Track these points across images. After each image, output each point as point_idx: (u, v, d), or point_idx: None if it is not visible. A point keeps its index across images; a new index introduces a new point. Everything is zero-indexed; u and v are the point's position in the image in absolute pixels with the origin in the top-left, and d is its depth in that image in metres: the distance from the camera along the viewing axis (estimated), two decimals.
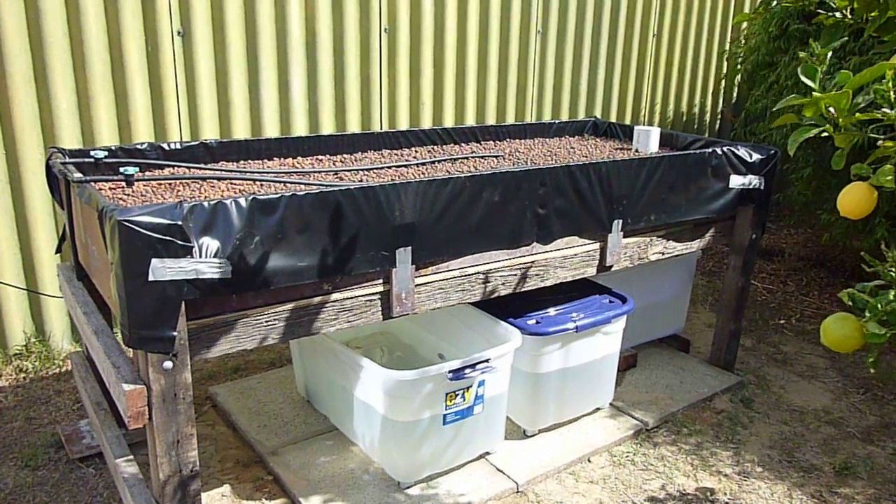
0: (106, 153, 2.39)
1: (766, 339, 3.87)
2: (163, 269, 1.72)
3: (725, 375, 3.32)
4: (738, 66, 5.16)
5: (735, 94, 6.09)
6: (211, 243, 1.81)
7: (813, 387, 3.36)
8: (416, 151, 3.11)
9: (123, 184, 2.21)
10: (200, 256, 1.78)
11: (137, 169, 2.21)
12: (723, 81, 5.86)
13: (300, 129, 3.88)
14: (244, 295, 1.94)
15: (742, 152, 2.96)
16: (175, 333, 1.79)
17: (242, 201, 1.85)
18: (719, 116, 6.09)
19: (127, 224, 1.67)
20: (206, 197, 2.19)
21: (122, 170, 2.16)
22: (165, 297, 1.75)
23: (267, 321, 2.01)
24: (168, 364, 1.81)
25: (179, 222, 1.73)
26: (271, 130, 3.79)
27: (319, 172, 2.60)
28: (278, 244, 1.92)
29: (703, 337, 3.80)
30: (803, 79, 1.28)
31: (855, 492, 2.59)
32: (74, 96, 3.25)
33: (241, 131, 3.70)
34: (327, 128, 3.97)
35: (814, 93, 1.25)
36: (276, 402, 2.98)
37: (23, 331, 3.38)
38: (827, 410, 3.15)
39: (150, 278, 1.71)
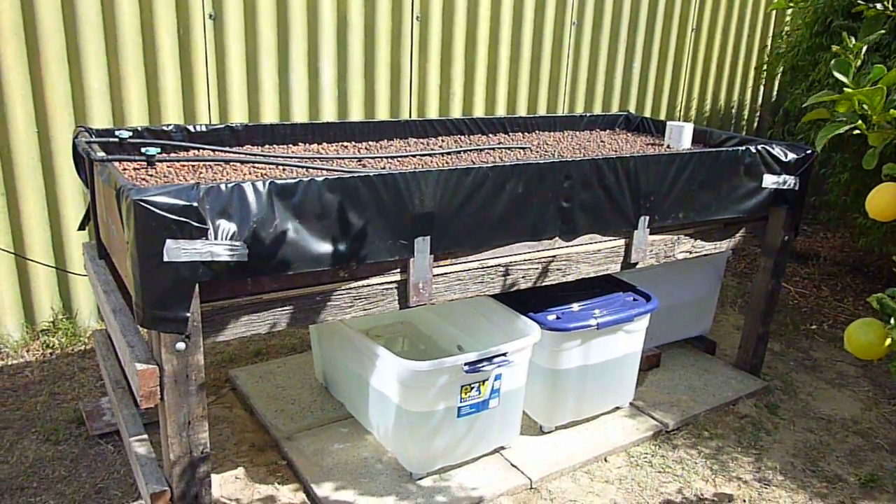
0: (130, 133, 2.40)
1: (795, 345, 3.77)
2: (177, 250, 1.72)
3: (751, 380, 3.25)
4: (779, 63, 5.02)
5: (775, 92, 5.94)
6: (227, 226, 1.80)
7: (842, 395, 3.27)
8: (443, 141, 3.08)
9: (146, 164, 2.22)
10: (216, 239, 1.78)
11: (159, 150, 2.22)
12: (763, 74, 5.69)
13: (329, 114, 3.87)
14: (259, 279, 1.93)
15: (777, 151, 2.88)
16: (188, 315, 1.79)
17: (260, 185, 1.84)
18: (757, 114, 5.95)
19: (143, 204, 1.67)
20: (227, 179, 2.18)
21: (143, 150, 2.16)
22: (180, 278, 1.75)
23: (282, 306, 2.00)
24: (181, 345, 1.81)
25: (195, 204, 1.73)
26: (300, 116, 3.78)
27: (343, 159, 2.59)
28: (295, 229, 1.91)
29: (731, 339, 3.72)
30: (836, 74, 1.21)
31: None
32: (106, 77, 3.28)
33: (269, 116, 3.70)
34: (356, 115, 3.96)
35: (846, 88, 1.18)
36: (294, 388, 2.98)
37: (51, 307, 3.43)
38: (855, 420, 3.06)
39: (165, 259, 1.71)
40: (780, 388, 3.27)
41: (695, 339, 3.55)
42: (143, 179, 2.11)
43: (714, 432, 2.87)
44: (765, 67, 5.67)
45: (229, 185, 1.79)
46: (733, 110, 5.77)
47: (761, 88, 5.88)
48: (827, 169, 4.30)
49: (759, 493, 2.53)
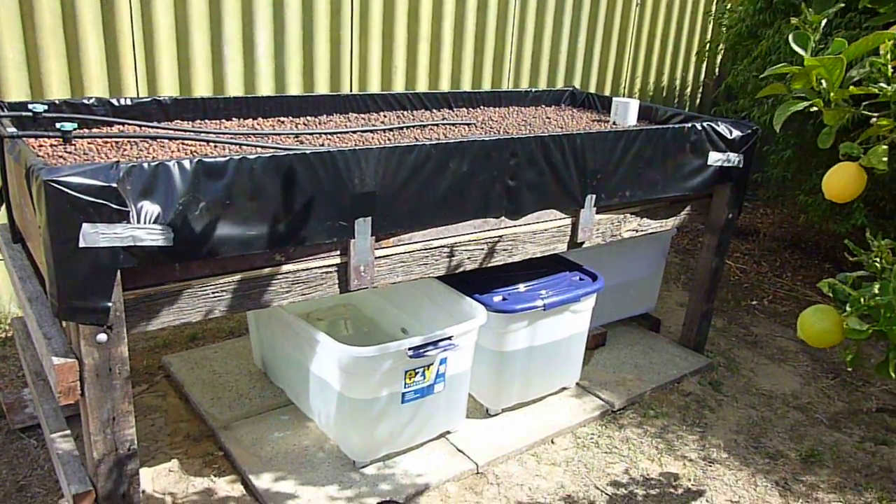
0: (46, 107, 2.22)
1: (737, 320, 3.82)
2: (95, 235, 1.58)
3: (695, 357, 3.26)
4: (722, 39, 5.03)
5: (717, 67, 5.97)
6: (151, 208, 1.67)
7: (782, 370, 3.32)
8: (385, 116, 2.97)
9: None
10: (138, 222, 1.65)
11: (76, 125, 2.06)
12: (706, 49, 5.70)
13: (265, 89, 3.70)
14: (188, 264, 1.81)
15: (722, 128, 2.86)
16: (110, 304, 1.66)
17: (186, 163, 1.71)
18: (700, 90, 5.98)
19: (55, 185, 1.53)
20: (153, 157, 2.04)
21: (58, 125, 2.00)
22: (98, 265, 1.62)
23: (213, 293, 1.89)
24: (102, 337, 1.68)
25: (114, 184, 1.59)
26: (235, 90, 3.61)
27: (279, 135, 2.46)
28: (226, 211, 1.79)
29: (675, 316, 3.73)
30: (794, 47, 1.16)
31: (819, 480, 2.55)
32: (22, 46, 3.05)
33: (202, 90, 3.52)
34: (294, 88, 3.80)
35: (805, 59, 1.13)
36: (231, 374, 2.86)
37: None
38: (795, 395, 3.10)
39: (81, 244, 1.58)
40: (723, 364, 3.30)
41: (640, 316, 3.55)
42: (61, 157, 1.95)
43: (659, 411, 2.87)
44: (707, 43, 5.68)
45: (152, 164, 1.66)
46: (677, 86, 5.79)
47: (704, 64, 5.90)
48: (769, 146, 4.34)
49: (704, 472, 2.54)
